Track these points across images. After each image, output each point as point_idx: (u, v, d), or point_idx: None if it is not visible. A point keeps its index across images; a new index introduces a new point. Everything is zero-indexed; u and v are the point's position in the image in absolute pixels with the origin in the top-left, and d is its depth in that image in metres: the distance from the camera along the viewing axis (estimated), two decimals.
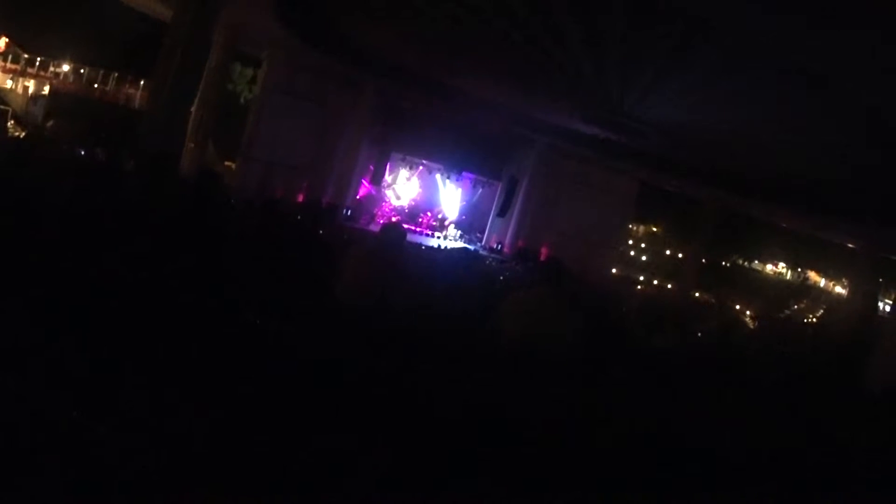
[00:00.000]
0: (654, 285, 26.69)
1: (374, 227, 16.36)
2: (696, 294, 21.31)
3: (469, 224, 20.56)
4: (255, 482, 2.19)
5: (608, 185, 19.09)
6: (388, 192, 20.43)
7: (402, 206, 20.47)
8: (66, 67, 25.18)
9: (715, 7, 5.77)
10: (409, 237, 7.77)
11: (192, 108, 11.71)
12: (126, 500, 1.98)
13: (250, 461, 2.25)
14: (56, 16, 22.81)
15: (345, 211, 17.25)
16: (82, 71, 25.19)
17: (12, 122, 19.37)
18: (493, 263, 15.40)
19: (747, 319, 20.44)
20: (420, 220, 19.99)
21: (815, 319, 28.49)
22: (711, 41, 6.53)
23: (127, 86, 25.41)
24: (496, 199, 19.66)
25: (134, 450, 2.15)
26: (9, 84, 24.05)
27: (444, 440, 2.61)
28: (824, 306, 31.30)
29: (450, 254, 11.90)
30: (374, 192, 19.72)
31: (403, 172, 20.52)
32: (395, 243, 4.65)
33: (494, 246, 18.85)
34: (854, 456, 3.53)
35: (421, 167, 20.53)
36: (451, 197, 20.84)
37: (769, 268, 39.28)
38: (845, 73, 6.27)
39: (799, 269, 37.74)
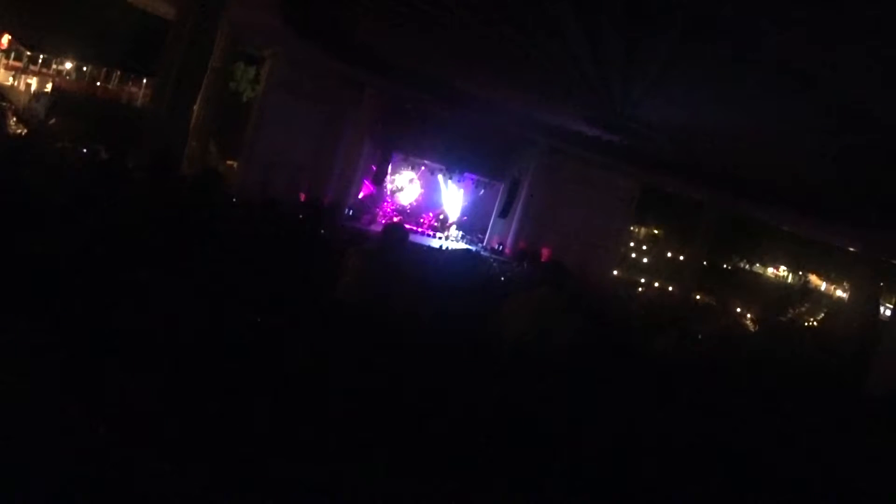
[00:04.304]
0: (656, 287, 26.66)
1: (376, 227, 16.36)
2: (697, 297, 21.28)
3: (470, 225, 20.55)
4: (254, 482, 2.19)
5: (610, 186, 19.06)
6: (391, 190, 20.45)
7: (403, 206, 20.47)
8: (68, 65, 25.22)
9: (717, 8, 5.77)
10: (411, 237, 7.77)
11: (195, 107, 11.72)
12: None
13: (248, 462, 2.25)
14: (59, 13, 22.82)
15: (346, 211, 17.25)
16: (85, 69, 25.22)
17: (14, 119, 19.37)
18: (495, 264, 15.40)
19: (748, 322, 20.41)
20: (422, 220, 19.99)
21: (816, 323, 28.44)
22: (714, 43, 6.53)
23: (130, 84, 25.45)
24: (498, 199, 19.66)
25: (130, 447, 2.15)
26: (11, 81, 24.08)
27: (443, 441, 2.61)
28: (825, 310, 31.24)
29: (451, 254, 11.90)
30: (375, 192, 19.72)
31: (405, 173, 20.54)
32: (396, 243, 4.64)
33: (496, 247, 18.85)
34: (854, 459, 3.52)
35: (423, 167, 20.54)
36: (453, 197, 20.84)
37: (770, 271, 39.22)
38: (848, 76, 6.27)
39: (800, 273, 37.71)
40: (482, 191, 20.75)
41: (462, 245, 18.14)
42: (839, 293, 33.23)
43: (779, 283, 37.63)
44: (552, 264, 5.54)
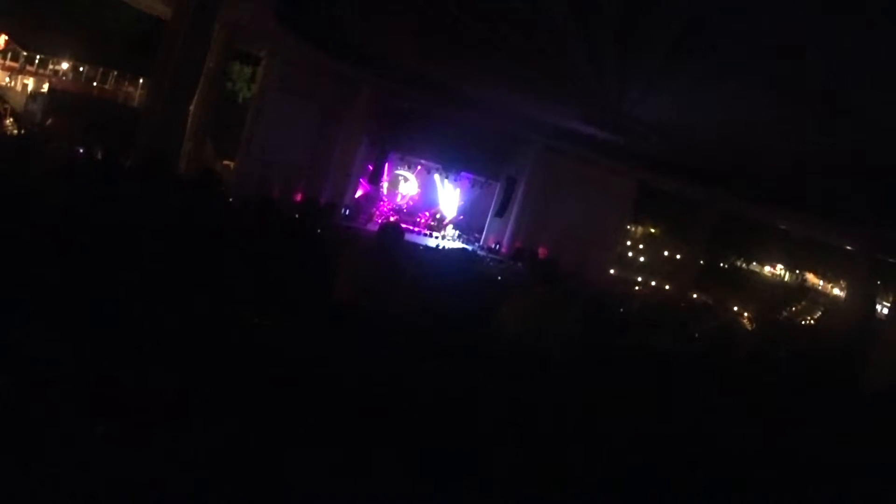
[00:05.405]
0: (653, 286, 26.69)
1: (372, 227, 16.35)
2: (694, 295, 21.30)
3: (467, 224, 20.55)
4: (255, 484, 2.18)
5: (606, 185, 19.08)
6: (388, 190, 20.45)
7: (400, 206, 20.47)
8: (65, 65, 25.14)
9: (713, 7, 5.77)
10: (407, 237, 7.76)
11: (191, 107, 11.69)
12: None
13: (248, 465, 2.25)
14: (55, 13, 22.77)
15: (343, 210, 17.24)
16: (81, 69, 25.15)
17: (11, 119, 19.33)
18: (491, 263, 15.41)
19: (745, 321, 20.44)
20: (418, 219, 19.99)
21: (813, 321, 28.51)
22: (710, 42, 6.53)
23: (126, 84, 25.38)
24: (494, 199, 19.66)
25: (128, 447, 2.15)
26: (8, 82, 24.02)
27: (442, 440, 2.61)
28: (822, 308, 31.33)
29: (448, 254, 11.91)
30: (371, 192, 19.72)
31: (402, 172, 20.55)
32: (392, 243, 4.64)
33: (492, 246, 18.86)
34: (851, 457, 3.53)
35: (419, 167, 20.54)
36: (450, 197, 20.85)
37: (767, 269, 39.32)
38: (845, 76, 6.27)
39: (797, 271, 37.81)
40: (479, 190, 20.75)
41: (458, 244, 18.14)
42: (836, 291, 33.31)
43: (776, 282, 37.72)
44: (542, 262, 5.56)
